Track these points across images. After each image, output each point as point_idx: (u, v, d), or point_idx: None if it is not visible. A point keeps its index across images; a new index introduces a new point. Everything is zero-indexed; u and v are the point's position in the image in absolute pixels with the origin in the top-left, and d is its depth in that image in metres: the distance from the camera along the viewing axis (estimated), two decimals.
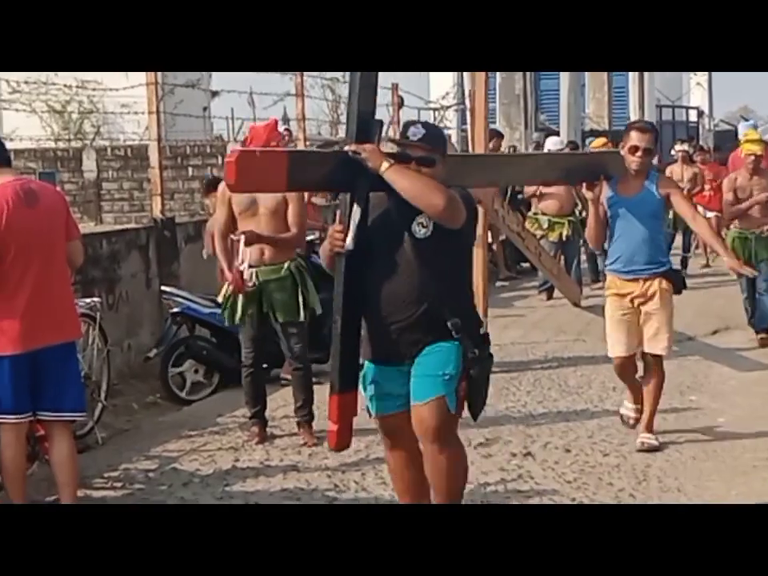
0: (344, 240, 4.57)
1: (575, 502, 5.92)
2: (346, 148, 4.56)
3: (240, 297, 6.98)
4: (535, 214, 13.05)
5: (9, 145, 20.56)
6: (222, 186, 7.11)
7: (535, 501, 5.97)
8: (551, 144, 13.76)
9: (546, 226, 12.82)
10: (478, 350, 4.65)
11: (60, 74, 13.26)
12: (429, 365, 4.65)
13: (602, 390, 8.50)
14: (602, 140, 15.03)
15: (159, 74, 10.55)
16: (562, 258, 13.06)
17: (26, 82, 16.55)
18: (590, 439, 7.13)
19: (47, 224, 5.44)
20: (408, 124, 4.72)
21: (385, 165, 4.44)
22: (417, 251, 4.59)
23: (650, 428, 6.92)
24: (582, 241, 12.61)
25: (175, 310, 8.91)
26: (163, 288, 9.25)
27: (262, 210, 6.96)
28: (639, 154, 6.64)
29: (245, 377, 7.27)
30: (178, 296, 8.98)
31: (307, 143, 14.17)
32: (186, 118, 18.84)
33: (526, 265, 14.63)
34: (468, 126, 20.13)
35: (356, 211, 4.59)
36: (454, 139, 19.70)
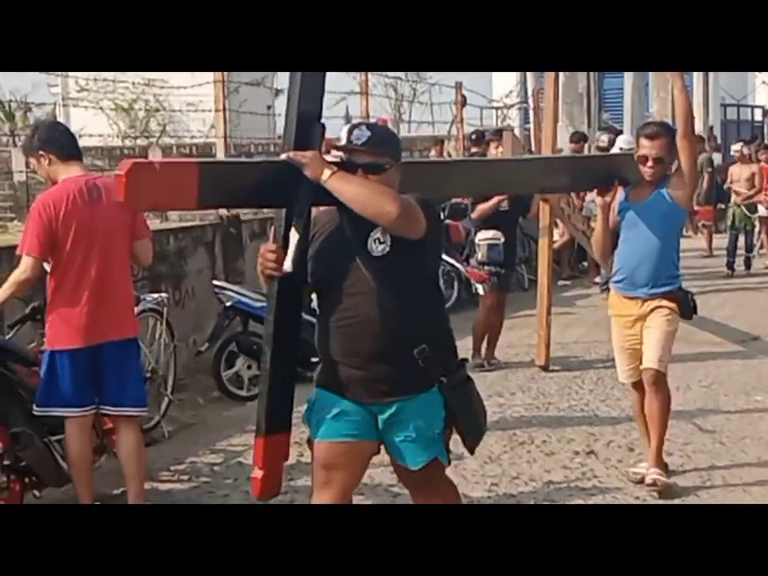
0: (277, 261, 3.95)
1: (639, 501, 5.92)
2: (283, 156, 4.00)
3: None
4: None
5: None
6: None
7: (599, 499, 5.97)
8: (623, 142, 13.66)
9: None
10: (449, 380, 4.04)
11: (127, 72, 13.37)
12: (416, 429, 4.03)
13: None
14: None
15: (225, 72, 10.67)
16: None
17: (94, 80, 16.78)
18: None
19: (108, 220, 5.47)
20: (352, 127, 4.08)
21: (326, 173, 3.87)
22: (375, 271, 3.95)
23: (659, 462, 6.09)
24: None
25: (227, 304, 8.85)
26: (215, 282, 9.25)
27: None
28: (650, 164, 5.88)
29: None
30: (229, 290, 8.92)
31: None
32: (250, 117, 18.96)
33: (587, 264, 14.57)
34: (531, 125, 20.13)
35: (294, 228, 4.02)
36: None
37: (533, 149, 15.38)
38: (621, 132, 18.35)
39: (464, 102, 17.42)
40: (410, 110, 28.27)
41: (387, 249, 3.95)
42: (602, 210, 6.06)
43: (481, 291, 9.36)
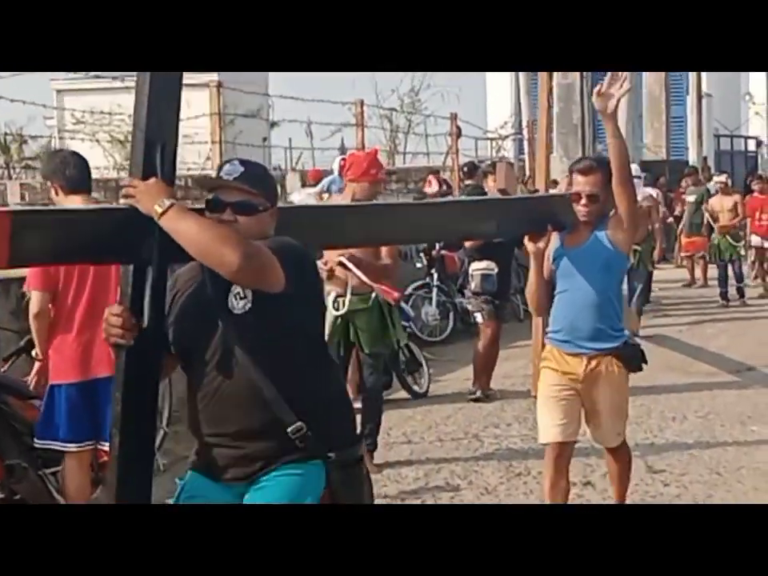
0: (124, 327, 3.27)
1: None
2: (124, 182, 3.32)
3: (328, 325, 6.82)
4: None
5: None
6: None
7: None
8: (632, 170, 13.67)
9: None
10: (338, 456, 3.38)
11: (123, 104, 13.46)
12: (280, 499, 3.31)
13: (661, 419, 8.45)
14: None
15: (221, 104, 10.71)
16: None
17: (90, 112, 16.85)
18: (649, 469, 7.09)
19: None
20: (224, 162, 3.53)
21: (157, 208, 3.15)
22: (238, 332, 3.29)
23: None
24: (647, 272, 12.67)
25: None
26: None
27: None
28: (583, 201, 5.24)
29: None
30: None
31: None
32: (244, 149, 19.02)
33: None
34: (526, 156, 20.20)
35: (146, 287, 3.32)
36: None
37: (527, 179, 15.42)
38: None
39: (459, 133, 17.51)
40: (406, 141, 28.36)
41: (249, 305, 3.31)
42: (534, 258, 5.32)
43: (479, 320, 9.37)
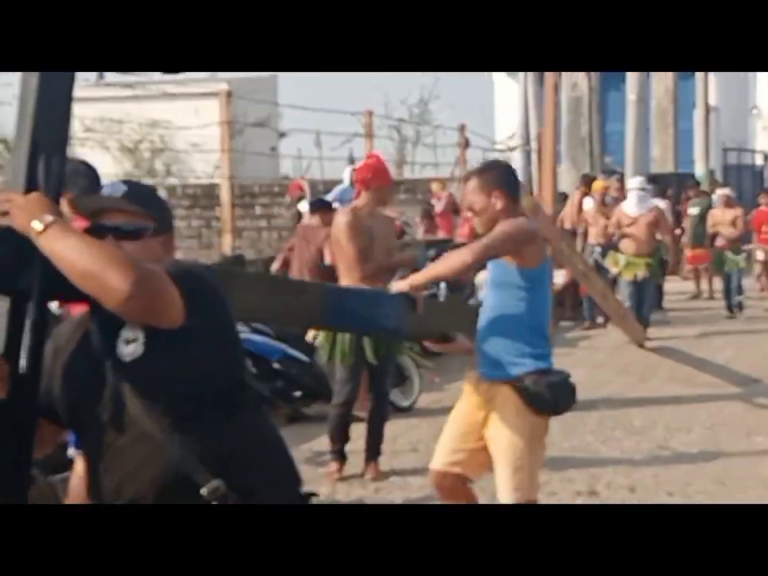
0: None
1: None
2: None
3: (347, 335, 6.94)
4: (616, 251, 13.07)
5: None
6: (347, 218, 7.21)
7: None
8: (636, 183, 13.72)
9: (622, 264, 12.81)
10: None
11: (132, 113, 13.52)
12: None
13: (666, 431, 8.47)
14: (601, 183, 14.85)
15: (231, 113, 10.78)
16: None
17: (100, 120, 16.94)
18: (654, 479, 7.12)
19: None
20: (106, 185, 3.03)
21: (35, 225, 2.56)
22: (130, 382, 2.70)
23: None
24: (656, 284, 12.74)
25: None
26: None
27: (377, 247, 7.12)
28: (468, 214, 4.96)
29: (339, 414, 7.27)
30: None
31: None
32: (253, 158, 19.11)
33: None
34: (533, 168, 20.27)
35: (24, 327, 2.70)
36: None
37: (534, 191, 15.48)
38: (622, 175, 18.47)
39: (467, 145, 17.55)
40: (414, 151, 28.46)
41: (141, 349, 2.71)
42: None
43: None
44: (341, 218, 7.27)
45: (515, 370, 4.59)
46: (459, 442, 4.83)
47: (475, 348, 4.80)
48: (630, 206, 12.98)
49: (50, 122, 2.82)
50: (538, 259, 4.70)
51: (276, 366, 7.95)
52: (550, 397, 4.59)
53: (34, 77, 2.80)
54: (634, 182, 13.84)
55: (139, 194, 2.92)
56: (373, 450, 7.33)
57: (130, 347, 2.70)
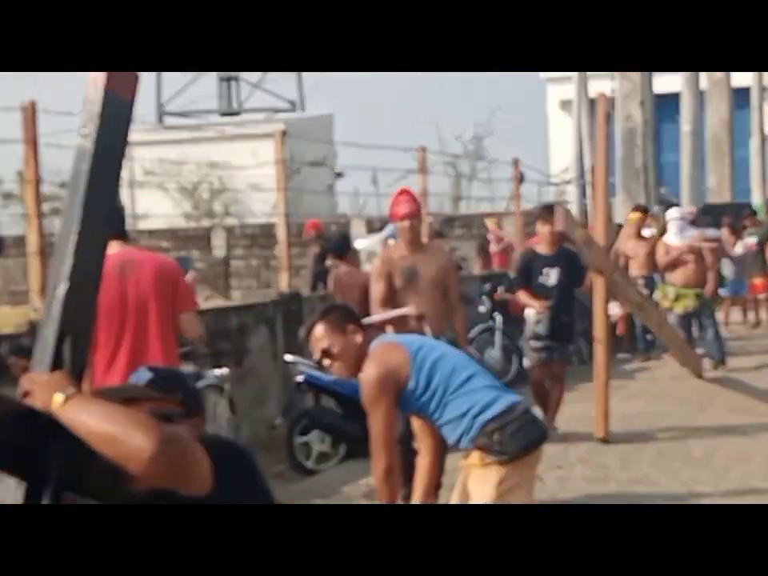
0: None
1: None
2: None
3: None
4: (666, 284, 13.03)
5: (143, 224, 21.27)
6: (377, 259, 7.30)
7: None
8: (675, 212, 13.71)
9: (672, 297, 12.75)
10: None
11: (191, 155, 13.75)
12: None
13: (726, 461, 8.42)
14: (637, 214, 14.71)
15: (287, 152, 10.94)
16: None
17: (159, 161, 17.21)
18: None
19: (140, 296, 5.45)
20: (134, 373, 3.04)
21: (56, 398, 2.51)
22: None
23: None
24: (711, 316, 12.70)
25: (299, 378, 8.93)
26: (287, 357, 9.39)
27: (423, 284, 6.97)
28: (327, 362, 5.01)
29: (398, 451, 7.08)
30: (302, 364, 8.99)
31: (429, 217, 14.42)
32: (310, 198, 19.33)
33: (648, 337, 14.54)
34: (588, 200, 20.26)
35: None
36: (574, 212, 19.78)
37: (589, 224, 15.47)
38: (677, 205, 18.43)
39: (521, 179, 17.61)
40: (469, 186, 28.58)
41: None
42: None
43: (525, 364, 9.61)
44: (375, 261, 7.36)
45: (466, 439, 4.70)
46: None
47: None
48: (670, 237, 12.94)
49: (77, 302, 2.80)
50: (406, 376, 4.72)
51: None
52: (499, 447, 4.63)
53: (65, 261, 2.79)
54: (670, 214, 13.84)
55: (165, 380, 2.95)
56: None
57: None
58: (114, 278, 5.45)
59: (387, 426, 4.74)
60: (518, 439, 4.65)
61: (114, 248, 5.54)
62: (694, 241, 12.74)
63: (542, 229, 9.54)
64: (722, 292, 16.95)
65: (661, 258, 12.94)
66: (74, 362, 2.73)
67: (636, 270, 13.81)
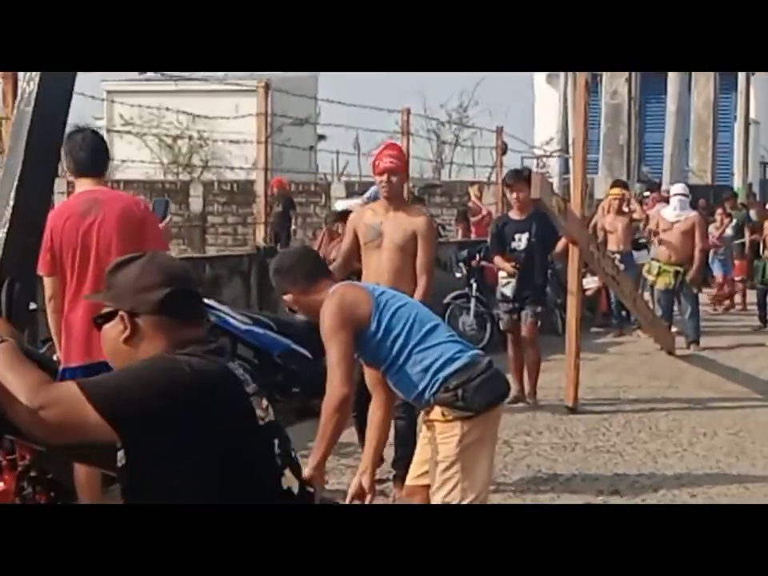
0: None
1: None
2: None
3: None
4: (652, 258, 13.06)
5: (119, 175, 21.05)
6: (352, 214, 7.20)
7: None
8: (680, 188, 13.70)
9: (654, 272, 12.79)
10: None
11: (171, 106, 13.61)
12: None
13: (692, 434, 8.46)
14: (617, 189, 14.61)
15: (269, 106, 10.85)
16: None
17: (138, 106, 17.03)
18: (677, 481, 7.10)
19: (105, 236, 5.31)
20: None
21: None
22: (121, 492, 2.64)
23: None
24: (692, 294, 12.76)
25: (213, 322, 8.02)
26: (205, 300, 9.04)
27: (386, 244, 6.66)
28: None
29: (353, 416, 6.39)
30: (217, 309, 8.29)
31: (411, 185, 14.36)
32: (291, 157, 19.20)
33: (623, 312, 14.54)
34: (570, 175, 20.24)
35: None
36: (555, 186, 19.75)
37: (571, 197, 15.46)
38: (659, 185, 18.44)
39: (505, 149, 17.56)
40: (453, 153, 28.50)
41: (123, 459, 2.56)
42: None
43: (501, 327, 9.70)
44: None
45: (427, 395, 4.52)
46: (423, 458, 4.76)
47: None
48: (669, 212, 12.96)
49: (20, 251, 2.92)
50: (366, 315, 4.57)
51: (277, 359, 7.92)
52: (462, 403, 4.47)
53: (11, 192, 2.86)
54: (676, 188, 13.81)
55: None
56: (396, 467, 6.56)
57: (119, 453, 2.54)
58: (78, 216, 5.33)
59: (344, 356, 4.50)
60: (483, 394, 4.50)
61: (84, 185, 5.47)
62: (686, 223, 12.73)
63: (510, 195, 9.55)
64: (715, 271, 17.05)
65: (652, 228, 13.00)
66: (11, 307, 2.82)
67: (614, 245, 13.82)
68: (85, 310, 5.16)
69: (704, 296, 15.15)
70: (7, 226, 2.89)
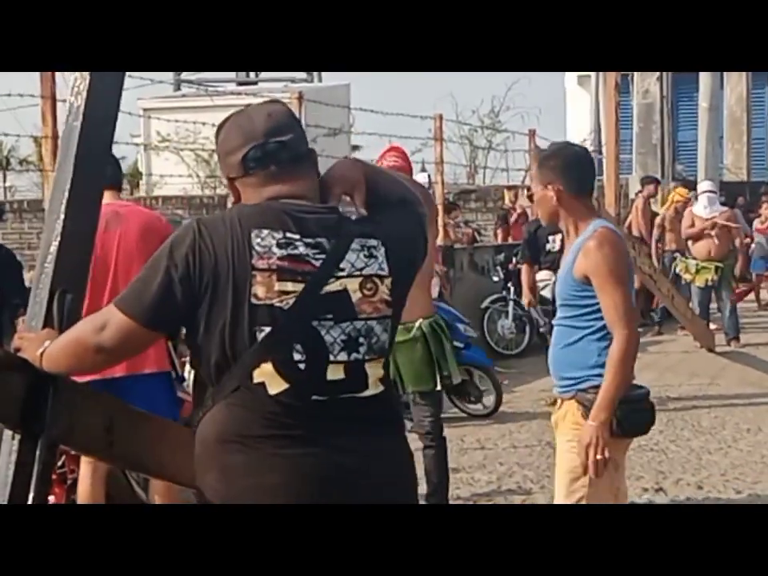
0: None
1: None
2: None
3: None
4: (687, 257, 13.02)
5: (157, 191, 21.12)
6: None
7: None
8: (706, 186, 13.69)
9: (693, 270, 12.73)
10: None
11: (206, 121, 13.74)
12: None
13: (735, 430, 8.46)
14: (684, 190, 14.67)
15: (303, 118, 10.92)
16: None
17: (176, 130, 17.13)
18: (722, 477, 7.12)
19: (124, 250, 5.23)
20: None
21: (39, 352, 2.77)
22: None
23: None
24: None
25: None
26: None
27: None
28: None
29: None
30: None
31: (444, 190, 14.40)
32: (329, 161, 19.25)
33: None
34: (604, 175, 20.23)
35: (35, 464, 2.86)
36: None
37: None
38: (694, 184, 18.38)
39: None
40: (486, 158, 28.54)
41: None
42: None
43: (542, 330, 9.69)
44: None
45: (581, 383, 4.09)
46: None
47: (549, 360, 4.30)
48: (700, 209, 12.93)
49: (69, 261, 3.06)
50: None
51: None
52: (632, 419, 4.04)
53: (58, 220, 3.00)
54: (703, 185, 13.79)
55: None
56: (432, 501, 5.83)
57: None
58: (99, 231, 5.30)
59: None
60: (636, 419, 4.10)
61: (106, 200, 5.47)
62: (721, 218, 12.70)
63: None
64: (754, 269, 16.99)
65: (686, 228, 12.94)
66: (64, 318, 2.95)
67: (675, 243, 13.87)
68: None
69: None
70: (59, 239, 3.01)
